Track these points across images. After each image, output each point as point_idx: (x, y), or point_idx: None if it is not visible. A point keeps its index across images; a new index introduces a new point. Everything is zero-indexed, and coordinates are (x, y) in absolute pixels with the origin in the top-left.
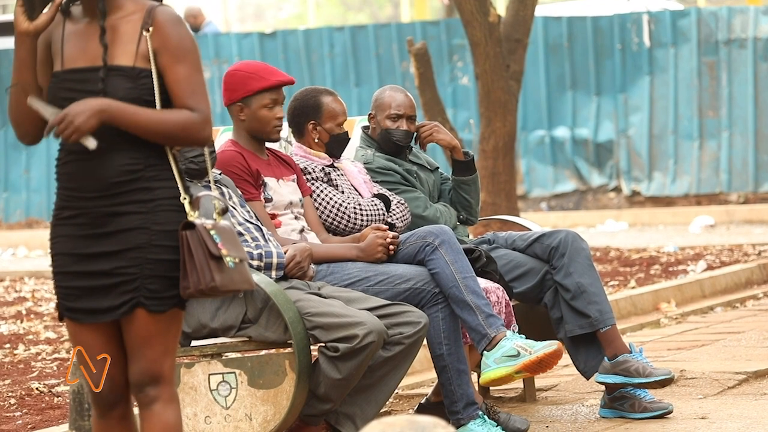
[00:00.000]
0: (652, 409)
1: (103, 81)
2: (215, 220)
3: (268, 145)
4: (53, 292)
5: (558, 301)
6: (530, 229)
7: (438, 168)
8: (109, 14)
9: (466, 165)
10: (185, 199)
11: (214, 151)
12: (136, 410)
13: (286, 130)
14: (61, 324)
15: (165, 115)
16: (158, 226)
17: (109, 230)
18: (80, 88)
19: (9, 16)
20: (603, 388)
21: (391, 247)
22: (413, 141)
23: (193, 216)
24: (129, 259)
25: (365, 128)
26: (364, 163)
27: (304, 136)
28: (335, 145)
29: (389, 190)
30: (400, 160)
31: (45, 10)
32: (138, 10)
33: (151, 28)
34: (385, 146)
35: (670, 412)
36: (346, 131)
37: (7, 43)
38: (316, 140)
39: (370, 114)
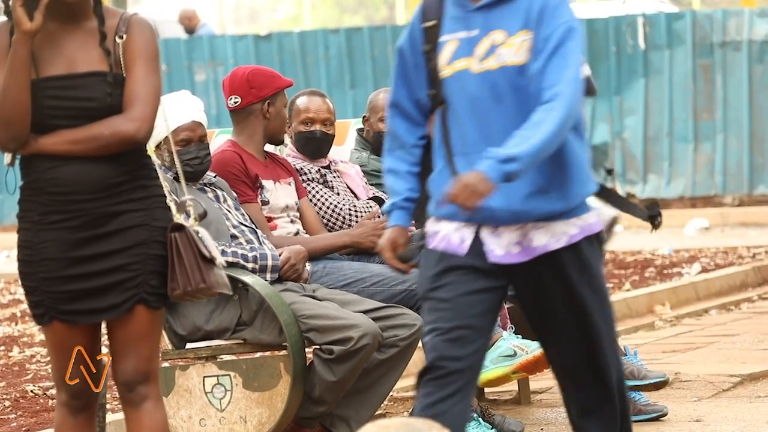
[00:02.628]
0: (646, 411)
1: (110, 86)
2: (192, 224)
3: (265, 147)
4: (31, 296)
5: None
6: None
7: None
8: (86, 20)
9: None
10: (171, 201)
11: (209, 153)
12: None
13: None
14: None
15: (95, 126)
16: (156, 222)
17: (110, 229)
18: (69, 95)
19: None
20: None
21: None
22: None
23: (179, 218)
24: (132, 256)
25: (360, 131)
26: (360, 166)
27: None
28: (300, 144)
29: (383, 192)
30: None
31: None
32: (112, 17)
33: (124, 35)
34: (379, 149)
35: (664, 415)
36: (312, 131)
37: None
38: (289, 140)
39: (364, 116)
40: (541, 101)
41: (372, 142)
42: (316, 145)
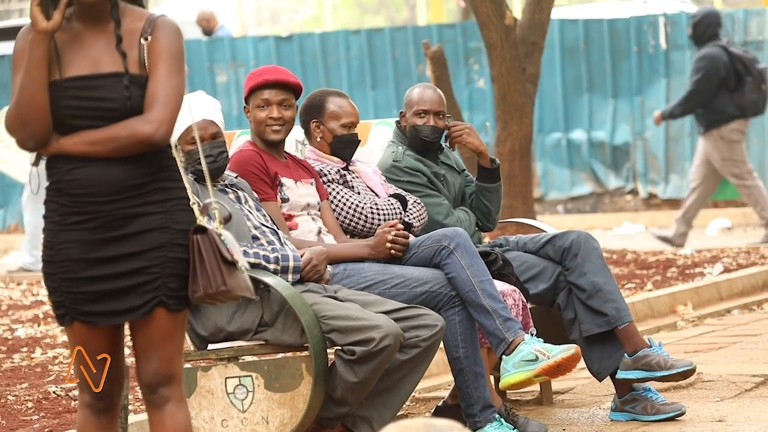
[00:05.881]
0: (665, 410)
1: (128, 88)
2: (217, 228)
3: (286, 148)
4: (52, 296)
5: (571, 302)
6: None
7: (464, 170)
8: (111, 22)
9: (491, 172)
10: (195, 203)
11: (226, 151)
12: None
13: (301, 133)
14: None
15: (114, 127)
16: (177, 225)
17: (129, 232)
18: (91, 96)
19: (11, 22)
20: None
21: (400, 239)
22: (444, 139)
23: (202, 221)
24: (151, 259)
25: (398, 123)
26: (393, 161)
27: (310, 136)
28: (340, 146)
29: (413, 191)
30: (429, 161)
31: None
32: (139, 19)
33: (150, 37)
34: (415, 144)
35: (683, 413)
36: (354, 134)
37: (8, 48)
38: (319, 139)
39: (401, 112)
40: None
41: (409, 137)
42: (353, 148)
